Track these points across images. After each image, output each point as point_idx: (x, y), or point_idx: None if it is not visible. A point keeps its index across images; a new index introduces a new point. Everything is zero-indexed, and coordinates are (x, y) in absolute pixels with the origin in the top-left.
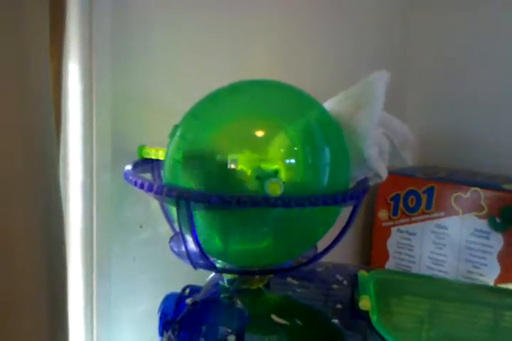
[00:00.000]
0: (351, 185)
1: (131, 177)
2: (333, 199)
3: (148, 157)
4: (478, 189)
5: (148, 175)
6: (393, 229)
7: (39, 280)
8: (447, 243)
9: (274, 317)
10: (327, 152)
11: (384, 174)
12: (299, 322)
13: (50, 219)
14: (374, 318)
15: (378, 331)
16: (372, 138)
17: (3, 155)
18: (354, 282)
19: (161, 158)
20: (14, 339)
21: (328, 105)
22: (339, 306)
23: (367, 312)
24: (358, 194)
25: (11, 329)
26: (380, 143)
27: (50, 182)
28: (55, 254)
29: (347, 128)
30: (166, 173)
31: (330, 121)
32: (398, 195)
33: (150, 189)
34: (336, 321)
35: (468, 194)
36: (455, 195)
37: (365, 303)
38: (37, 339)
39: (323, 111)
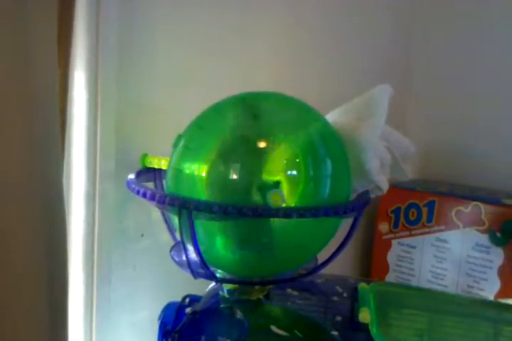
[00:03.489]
0: (352, 197)
1: (133, 186)
2: (334, 210)
3: (150, 166)
4: (479, 203)
5: (150, 184)
6: (394, 242)
7: (40, 285)
8: (447, 257)
9: (273, 328)
10: (329, 164)
11: (385, 187)
12: (299, 334)
13: (53, 226)
14: (373, 331)
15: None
16: (373, 151)
17: (8, 162)
18: (354, 294)
19: (164, 168)
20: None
21: (331, 117)
22: (339, 318)
23: (366, 324)
24: (358, 206)
25: (12, 334)
26: (381, 156)
27: (53, 189)
28: (57, 260)
29: (349, 141)
30: (168, 182)
31: (332, 133)
32: (399, 208)
33: (152, 198)
34: (335, 333)
35: (469, 208)
36: (456, 209)
37: (364, 316)
38: None
39: (326, 124)
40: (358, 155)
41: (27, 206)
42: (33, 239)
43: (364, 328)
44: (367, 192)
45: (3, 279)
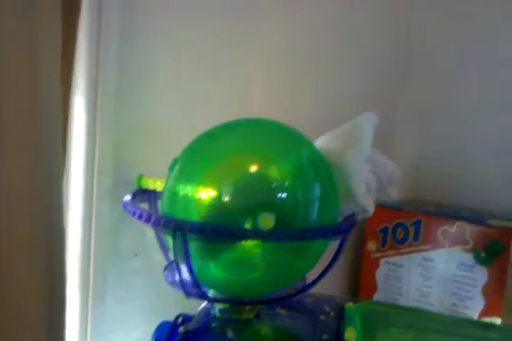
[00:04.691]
0: (339, 219)
1: (130, 208)
2: (322, 233)
3: (146, 187)
4: (464, 223)
5: (145, 205)
6: (382, 261)
7: (38, 305)
8: (434, 275)
9: None
10: (317, 188)
11: (371, 209)
12: None
13: (52, 247)
14: None
15: None
16: (360, 176)
17: (11, 185)
18: (341, 313)
19: (159, 189)
20: None
21: (319, 143)
22: (325, 337)
23: None
24: (345, 228)
25: None
26: (367, 181)
27: (54, 209)
28: (55, 282)
29: (336, 166)
30: (163, 204)
31: (320, 158)
32: (387, 228)
33: (148, 220)
34: None
35: (454, 228)
36: (442, 228)
37: (350, 335)
38: None
39: (314, 149)
40: (345, 180)
41: (24, 225)
42: (34, 268)
43: None
44: (353, 214)
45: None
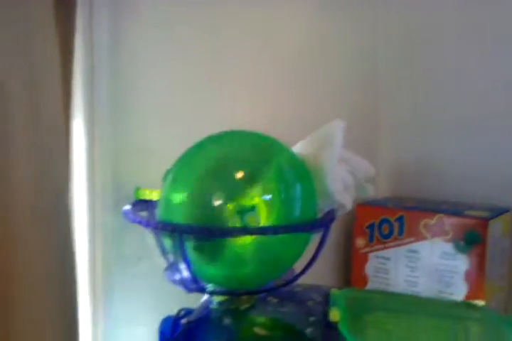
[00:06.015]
0: (319, 215)
1: (130, 216)
2: (303, 227)
3: (143, 198)
4: (443, 215)
5: (144, 213)
6: (370, 255)
7: (54, 307)
8: (419, 266)
9: (257, 329)
10: (298, 188)
11: (348, 205)
12: (278, 333)
13: (65, 257)
14: (343, 328)
15: (347, 338)
16: (334, 175)
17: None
18: (327, 298)
19: (155, 198)
20: None
21: (296, 148)
22: (312, 319)
23: (337, 323)
24: (325, 222)
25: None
26: (343, 179)
27: (62, 219)
28: (68, 287)
29: (313, 167)
30: (161, 211)
31: (298, 161)
32: (373, 224)
33: (148, 225)
34: (309, 331)
35: (434, 220)
36: (423, 221)
37: (334, 315)
38: None
39: (292, 154)
40: (321, 179)
41: (39, 232)
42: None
43: (335, 326)
44: (332, 210)
45: (18, 297)
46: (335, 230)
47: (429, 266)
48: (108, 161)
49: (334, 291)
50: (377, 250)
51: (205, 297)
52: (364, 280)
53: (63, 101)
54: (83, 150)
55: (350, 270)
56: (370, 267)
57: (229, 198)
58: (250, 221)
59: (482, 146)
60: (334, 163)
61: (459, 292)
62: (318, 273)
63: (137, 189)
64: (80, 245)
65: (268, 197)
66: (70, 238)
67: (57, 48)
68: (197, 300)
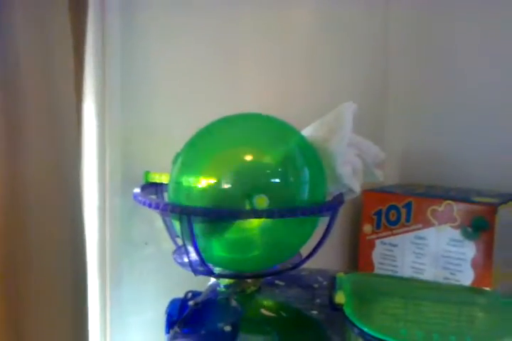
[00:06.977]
0: (328, 199)
1: (140, 198)
2: (311, 210)
3: (152, 181)
4: (451, 202)
5: (153, 197)
6: (377, 242)
7: (64, 291)
8: (426, 252)
9: (263, 311)
10: (306, 171)
11: (357, 189)
12: (284, 314)
13: (75, 240)
14: (348, 310)
15: (352, 320)
16: (343, 158)
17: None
18: (333, 282)
19: (164, 182)
20: (43, 333)
21: (306, 132)
22: (318, 301)
23: (342, 305)
24: (332, 206)
25: (41, 330)
26: (353, 163)
27: (75, 207)
28: (78, 271)
29: (322, 151)
30: (170, 194)
31: (307, 145)
32: (380, 210)
33: (157, 207)
34: (315, 312)
35: (442, 207)
36: (431, 208)
37: (339, 298)
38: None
39: (302, 138)
40: (331, 163)
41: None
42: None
43: (340, 308)
44: (341, 194)
45: (34, 280)
46: (342, 216)
47: (436, 253)
48: (118, 144)
49: (340, 275)
50: (384, 237)
51: (212, 280)
52: (371, 266)
53: (75, 85)
54: (94, 133)
55: (357, 256)
56: (376, 254)
57: (238, 181)
58: (259, 202)
59: (491, 133)
60: (344, 147)
61: (465, 279)
62: (325, 259)
63: (147, 173)
64: (89, 229)
65: (277, 180)
66: (80, 221)
67: (69, 31)
68: (204, 284)
